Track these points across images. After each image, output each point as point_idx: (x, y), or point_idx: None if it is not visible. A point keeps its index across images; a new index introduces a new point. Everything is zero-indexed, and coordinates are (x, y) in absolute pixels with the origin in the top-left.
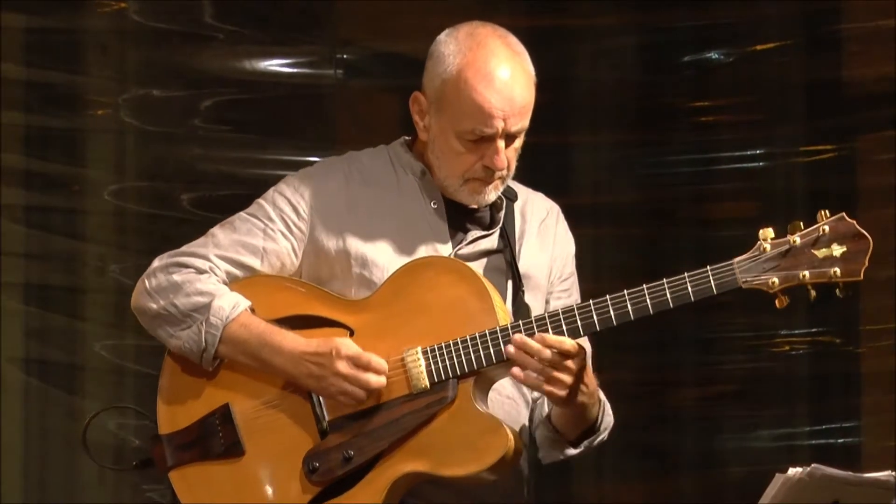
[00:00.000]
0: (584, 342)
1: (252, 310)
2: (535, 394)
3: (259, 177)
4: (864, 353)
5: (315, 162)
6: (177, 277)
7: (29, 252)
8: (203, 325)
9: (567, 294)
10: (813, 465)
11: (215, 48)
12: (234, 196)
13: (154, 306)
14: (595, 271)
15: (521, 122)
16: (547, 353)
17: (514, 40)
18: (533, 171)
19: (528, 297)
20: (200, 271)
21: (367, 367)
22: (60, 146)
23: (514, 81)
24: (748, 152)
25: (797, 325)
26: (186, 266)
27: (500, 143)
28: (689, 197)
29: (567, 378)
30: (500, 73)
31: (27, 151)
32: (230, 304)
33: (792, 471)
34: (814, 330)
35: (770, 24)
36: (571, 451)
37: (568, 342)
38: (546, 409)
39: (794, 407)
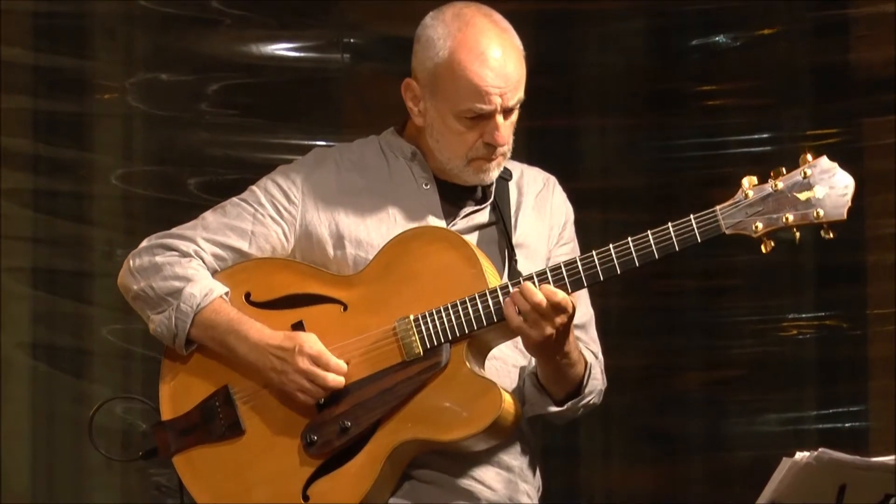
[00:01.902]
0: (586, 307)
1: (227, 295)
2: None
3: (266, 161)
4: (872, 338)
5: (322, 146)
6: (158, 259)
7: (37, 236)
8: (174, 310)
9: (566, 259)
10: (820, 449)
11: (222, 32)
12: (241, 180)
13: (135, 286)
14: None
15: (517, 95)
16: (539, 297)
17: (499, 17)
18: (541, 155)
19: (526, 266)
20: (184, 254)
21: (326, 367)
22: (68, 130)
23: (507, 57)
24: (755, 136)
25: (804, 310)
26: (170, 248)
27: (499, 119)
28: (696, 181)
29: (548, 327)
30: (491, 51)
31: (35, 136)
32: (202, 292)
33: (799, 455)
34: (821, 314)
35: (777, 8)
36: (554, 409)
37: (560, 294)
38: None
39: (801, 391)
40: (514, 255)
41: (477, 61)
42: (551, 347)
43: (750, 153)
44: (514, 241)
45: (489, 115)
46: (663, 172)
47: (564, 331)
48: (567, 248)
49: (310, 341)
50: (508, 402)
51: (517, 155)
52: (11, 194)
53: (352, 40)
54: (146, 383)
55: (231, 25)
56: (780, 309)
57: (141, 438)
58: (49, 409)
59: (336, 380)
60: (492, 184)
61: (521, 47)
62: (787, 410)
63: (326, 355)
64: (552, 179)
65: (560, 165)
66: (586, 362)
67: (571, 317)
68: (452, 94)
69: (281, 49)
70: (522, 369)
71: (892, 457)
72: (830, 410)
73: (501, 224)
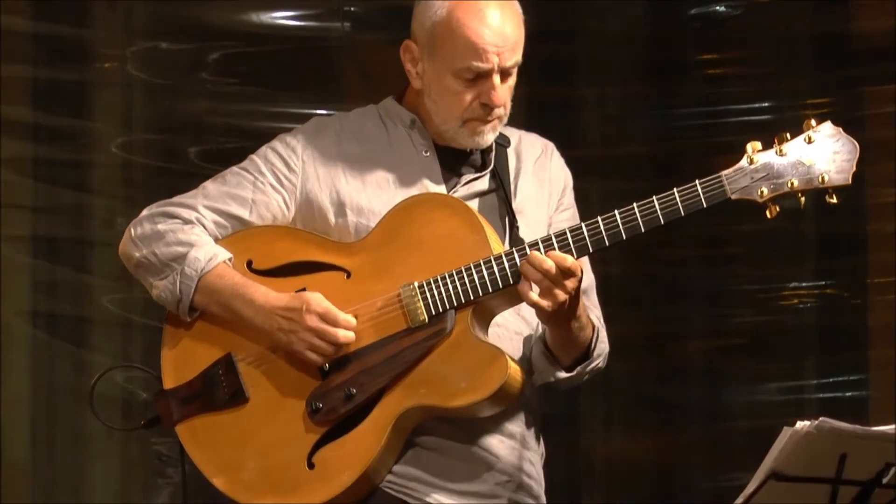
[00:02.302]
0: (587, 272)
1: (230, 261)
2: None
3: (266, 130)
4: (872, 306)
5: (322, 115)
6: (161, 227)
7: (37, 205)
8: (178, 275)
9: (567, 224)
10: (821, 418)
11: (222, 1)
12: (241, 149)
13: (137, 254)
14: None
15: (515, 57)
16: (549, 263)
17: None
18: (541, 125)
19: (527, 233)
20: (186, 221)
21: (335, 323)
22: (68, 99)
23: (505, 18)
24: (755, 105)
25: (805, 279)
26: (172, 216)
27: (496, 79)
28: (697, 150)
29: (561, 294)
30: (490, 10)
31: (35, 104)
32: (206, 256)
33: (800, 424)
34: (821, 283)
35: None
36: (563, 375)
37: (569, 259)
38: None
39: (801, 360)
40: (516, 222)
41: (476, 19)
42: (564, 314)
43: (750, 122)
44: (514, 207)
45: (486, 75)
46: (664, 141)
47: (575, 295)
48: (567, 214)
49: (317, 299)
50: (514, 368)
51: (517, 123)
52: (11, 163)
53: (352, 8)
54: (146, 352)
55: None
56: (780, 278)
57: (142, 407)
58: (49, 378)
59: (346, 335)
60: (491, 150)
61: (521, 12)
62: (787, 379)
63: (335, 311)
64: (550, 145)
65: (560, 135)
66: (594, 325)
67: (580, 281)
68: (450, 52)
69: (281, 17)
70: (528, 338)
71: (892, 426)
72: (831, 379)
73: (502, 191)
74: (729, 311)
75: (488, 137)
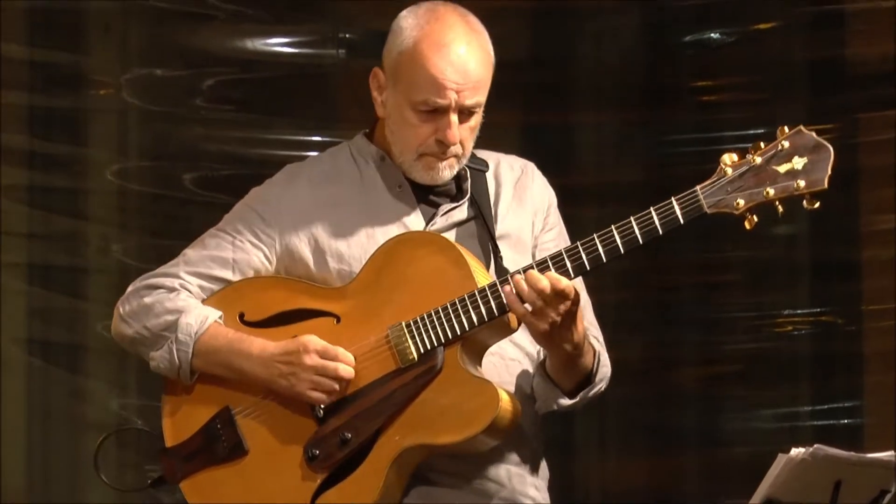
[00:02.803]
0: (582, 293)
1: (221, 319)
2: (539, 350)
3: (261, 157)
4: (867, 333)
5: (317, 141)
6: (147, 300)
7: (32, 232)
8: (173, 343)
9: (555, 245)
10: (816, 445)
11: (217, 27)
12: (236, 176)
13: (129, 332)
14: None
15: (476, 97)
16: (543, 282)
17: (474, 19)
18: (535, 151)
19: (514, 256)
20: (171, 290)
21: (335, 358)
22: (63, 126)
23: (469, 55)
24: (750, 132)
25: (800, 305)
26: (157, 287)
27: (453, 117)
28: (691, 176)
29: (554, 315)
30: (455, 46)
31: (30, 131)
32: (198, 319)
33: (795, 451)
34: (816, 310)
35: (772, 2)
36: (566, 402)
37: (563, 281)
38: (541, 356)
39: (796, 387)
40: (498, 249)
41: (438, 53)
42: (559, 335)
43: (745, 149)
44: (497, 232)
45: (444, 111)
46: (658, 168)
47: (571, 318)
48: (553, 234)
49: (313, 339)
50: (506, 400)
51: (512, 150)
52: (7, 190)
53: (347, 35)
54: (141, 379)
55: (225, 20)
56: (775, 304)
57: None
58: (45, 404)
59: (346, 369)
60: (467, 178)
61: (491, 53)
62: (782, 406)
63: (333, 347)
64: (530, 165)
65: (554, 161)
66: (595, 350)
67: (576, 303)
68: (410, 83)
69: (276, 44)
70: (526, 365)
71: (887, 452)
72: (826, 406)
73: (481, 219)
74: (723, 337)
75: (444, 174)
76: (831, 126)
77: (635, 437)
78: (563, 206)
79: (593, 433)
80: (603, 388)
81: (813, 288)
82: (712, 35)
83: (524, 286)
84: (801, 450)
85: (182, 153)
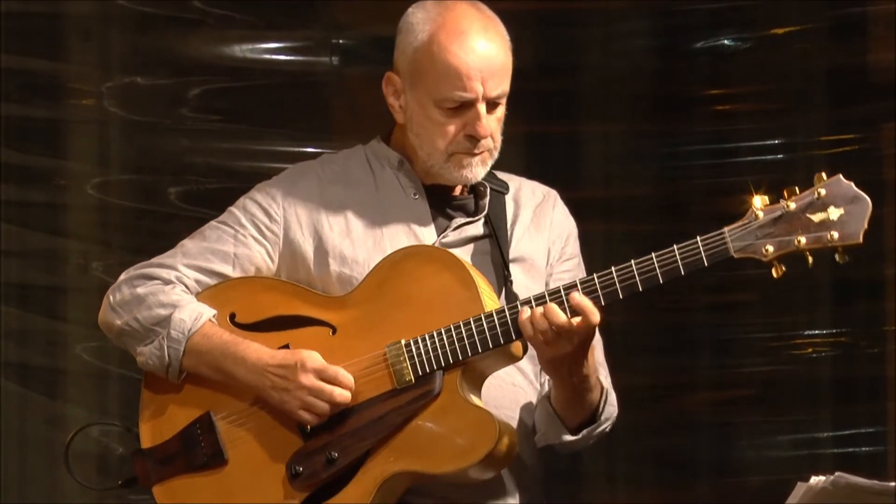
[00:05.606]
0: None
1: (215, 317)
2: (544, 381)
3: (251, 169)
4: (890, 356)
5: (310, 153)
6: (140, 290)
7: (8, 249)
8: (165, 339)
9: (570, 276)
10: (836, 473)
11: (204, 33)
12: (224, 189)
13: (118, 322)
14: (606, 268)
15: (502, 86)
16: (562, 318)
17: (484, 6)
18: (541, 163)
19: (526, 281)
20: (166, 282)
21: (333, 381)
22: (41, 137)
23: (490, 41)
24: (767, 143)
25: (819, 326)
26: (152, 278)
27: (481, 108)
28: (704, 190)
29: (566, 345)
30: (473, 33)
31: (6, 143)
32: (192, 316)
33: (814, 479)
34: (836, 331)
35: (790, 6)
36: (569, 438)
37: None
38: (547, 387)
39: (816, 412)
40: (510, 273)
41: (457, 42)
42: (567, 366)
43: (761, 161)
44: (511, 255)
45: (470, 104)
46: (669, 181)
47: (582, 350)
48: (571, 264)
49: (312, 356)
50: (504, 432)
51: (517, 160)
52: None
53: (341, 41)
54: (123, 404)
55: (213, 26)
56: (794, 325)
57: (119, 463)
58: (21, 431)
59: (343, 394)
60: (485, 196)
61: (508, 38)
62: (801, 432)
63: (332, 369)
64: (553, 193)
65: (561, 173)
66: (602, 388)
67: (591, 336)
68: (432, 79)
69: (266, 51)
70: (526, 390)
71: None
72: (847, 432)
73: (495, 239)
74: (739, 360)
75: (477, 171)
76: (852, 137)
77: (645, 466)
78: None
79: (601, 461)
80: (608, 429)
81: (833, 308)
82: (726, 41)
83: (540, 318)
84: (822, 478)
85: (167, 166)
